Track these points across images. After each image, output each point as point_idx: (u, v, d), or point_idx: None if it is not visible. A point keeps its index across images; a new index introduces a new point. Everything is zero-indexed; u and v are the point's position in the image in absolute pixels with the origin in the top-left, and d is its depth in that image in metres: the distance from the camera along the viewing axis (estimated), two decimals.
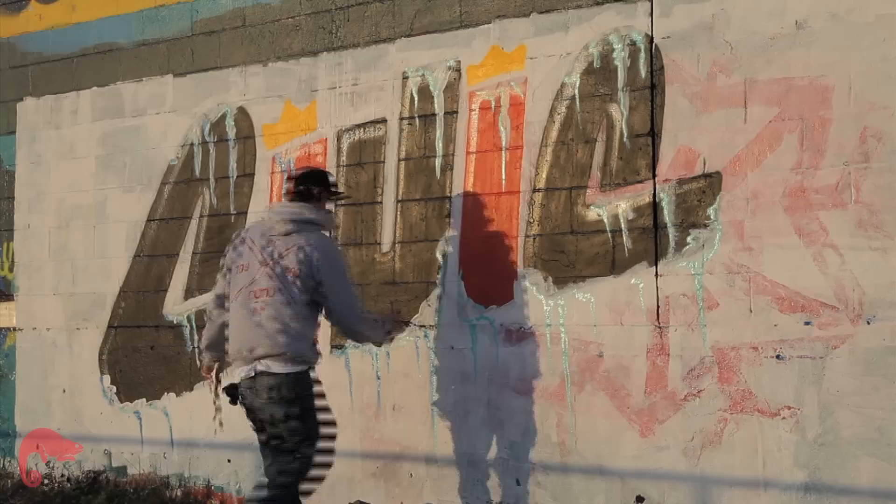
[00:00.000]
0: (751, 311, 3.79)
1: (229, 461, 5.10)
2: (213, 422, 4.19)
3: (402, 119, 4.69)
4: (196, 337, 5.24)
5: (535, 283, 4.27)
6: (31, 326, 5.91)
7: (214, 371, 4.15)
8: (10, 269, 6.02)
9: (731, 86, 3.87)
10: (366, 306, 4.48)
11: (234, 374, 3.94)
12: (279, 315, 3.83)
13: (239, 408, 3.96)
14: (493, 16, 4.45)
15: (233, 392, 3.95)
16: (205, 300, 5.20)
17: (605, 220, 4.13)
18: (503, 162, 4.39)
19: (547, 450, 4.22)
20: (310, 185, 4.09)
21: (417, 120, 4.65)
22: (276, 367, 3.80)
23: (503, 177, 4.39)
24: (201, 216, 5.29)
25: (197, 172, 5.32)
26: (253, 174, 5.12)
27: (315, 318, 3.98)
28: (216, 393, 4.13)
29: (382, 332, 4.30)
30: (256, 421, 3.95)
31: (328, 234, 4.16)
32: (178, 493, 5.24)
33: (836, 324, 3.63)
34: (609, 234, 4.12)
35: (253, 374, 3.83)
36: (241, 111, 5.20)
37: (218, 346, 4.07)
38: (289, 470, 3.86)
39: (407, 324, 4.55)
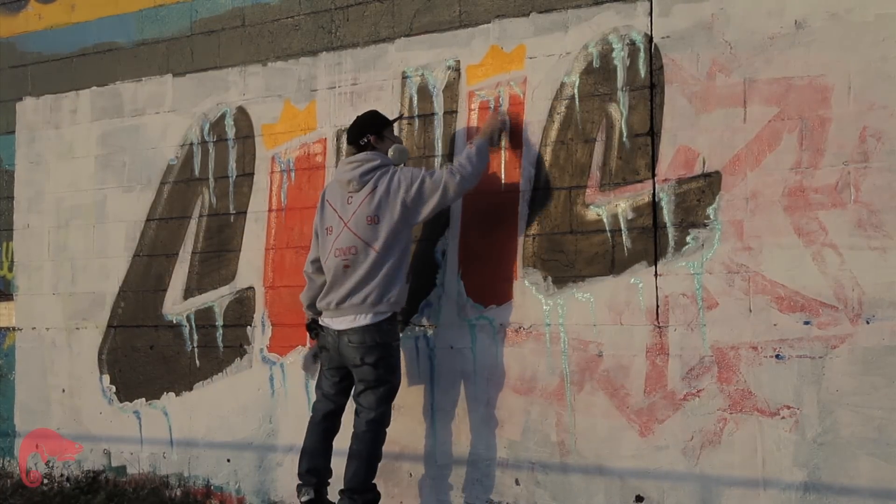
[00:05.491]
0: (750, 310, 3.80)
1: (229, 461, 5.10)
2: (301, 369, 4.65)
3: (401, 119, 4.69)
4: (196, 336, 5.25)
5: (534, 283, 4.27)
6: (30, 326, 5.91)
7: (311, 328, 4.49)
8: (10, 269, 6.02)
9: (731, 85, 3.88)
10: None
11: (322, 320, 4.31)
12: (363, 269, 4.11)
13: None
14: (493, 15, 4.45)
15: (313, 328, 4.42)
16: (204, 300, 5.23)
17: (605, 220, 4.13)
18: (502, 161, 4.39)
19: (546, 449, 4.22)
20: (363, 136, 4.30)
21: (417, 119, 4.65)
22: (362, 318, 4.12)
23: (502, 176, 4.39)
24: (201, 216, 5.29)
25: (196, 172, 5.32)
26: (252, 174, 5.12)
27: (403, 262, 4.22)
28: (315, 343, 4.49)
29: (490, 138, 4.30)
30: (335, 363, 4.27)
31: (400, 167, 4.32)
32: (178, 493, 5.24)
33: (835, 323, 3.63)
34: (608, 234, 4.12)
35: (344, 327, 4.15)
36: (241, 111, 5.20)
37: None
38: (369, 417, 4.18)
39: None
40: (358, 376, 4.19)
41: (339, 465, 4.28)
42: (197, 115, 5.34)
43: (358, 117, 4.42)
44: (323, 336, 4.29)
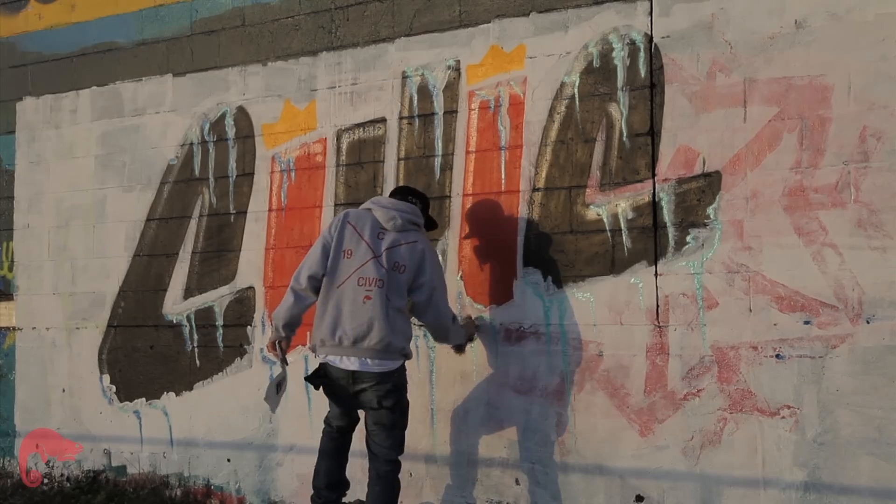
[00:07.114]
0: (750, 310, 3.80)
1: (229, 461, 5.10)
2: (263, 401, 4.24)
3: (401, 118, 4.69)
4: (196, 336, 5.24)
5: (534, 283, 4.27)
6: (30, 326, 5.92)
7: (283, 349, 4.11)
8: (10, 269, 6.02)
9: (731, 85, 3.88)
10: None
11: (326, 357, 4.00)
12: (385, 307, 3.95)
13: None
14: (493, 15, 4.45)
15: (315, 381, 4.06)
16: (204, 299, 5.23)
17: (605, 220, 4.13)
18: (503, 161, 4.39)
19: (546, 449, 4.22)
20: (413, 197, 4.22)
21: (417, 119, 4.65)
22: (378, 365, 3.95)
23: (503, 176, 4.39)
24: (201, 215, 5.29)
25: (196, 172, 5.32)
26: (252, 173, 5.12)
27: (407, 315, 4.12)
28: (284, 367, 4.16)
29: (464, 336, 4.34)
30: (342, 402, 4.11)
31: None
32: (178, 493, 5.24)
33: (835, 323, 3.64)
34: (608, 234, 4.12)
35: (358, 368, 3.93)
36: (241, 111, 5.20)
37: (296, 326, 4.12)
38: (385, 455, 4.06)
39: (477, 327, 4.43)
40: (374, 418, 4.04)
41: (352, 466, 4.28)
42: (197, 114, 5.34)
43: (419, 190, 4.35)
44: (330, 372, 4.02)
